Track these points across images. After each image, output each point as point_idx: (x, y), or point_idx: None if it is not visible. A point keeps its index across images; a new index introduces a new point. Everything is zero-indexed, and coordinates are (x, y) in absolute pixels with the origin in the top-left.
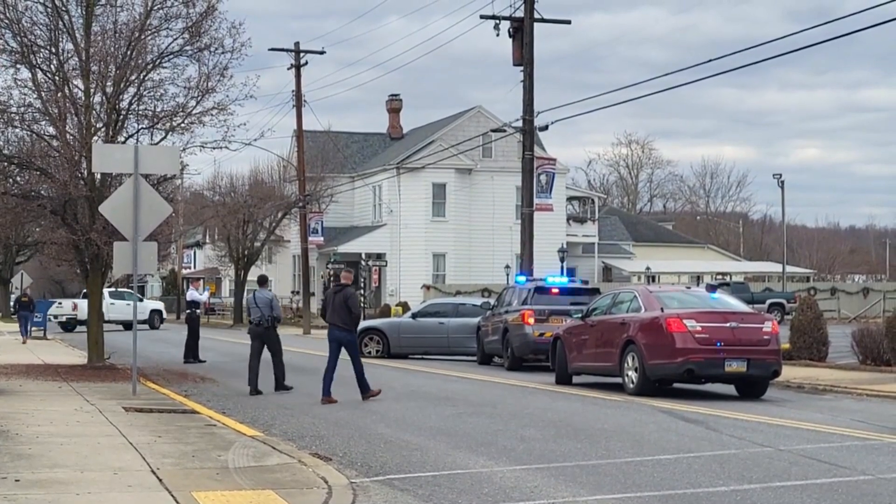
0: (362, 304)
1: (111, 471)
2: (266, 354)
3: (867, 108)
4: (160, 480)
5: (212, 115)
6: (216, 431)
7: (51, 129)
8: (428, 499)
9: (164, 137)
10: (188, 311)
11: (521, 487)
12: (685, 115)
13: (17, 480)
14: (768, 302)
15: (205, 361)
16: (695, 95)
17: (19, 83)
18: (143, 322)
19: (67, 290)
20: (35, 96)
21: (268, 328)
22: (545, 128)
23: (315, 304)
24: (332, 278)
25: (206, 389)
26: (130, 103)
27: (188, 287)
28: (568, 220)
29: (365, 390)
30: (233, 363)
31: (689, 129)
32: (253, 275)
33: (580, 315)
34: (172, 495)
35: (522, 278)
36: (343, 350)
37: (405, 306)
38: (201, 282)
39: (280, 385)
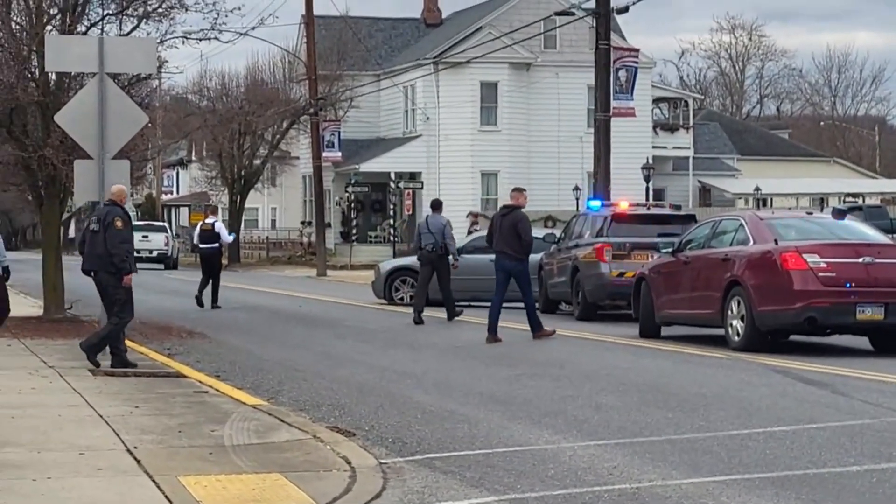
0: (392, 237)
1: (76, 450)
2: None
3: None
4: (138, 462)
5: None
6: (208, 400)
7: None
8: (478, 483)
9: (137, 27)
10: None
11: (597, 468)
12: None
13: None
14: None
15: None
16: None
17: None
18: None
19: (16, 221)
20: None
21: (441, 255)
22: (625, 9)
23: (332, 237)
24: (352, 204)
25: (195, 346)
26: None
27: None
28: (654, 128)
29: (536, 328)
30: (226, 313)
31: (812, 9)
32: (252, 201)
33: (671, 250)
34: (154, 481)
35: (596, 203)
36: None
37: None
38: (219, 211)
39: (452, 314)
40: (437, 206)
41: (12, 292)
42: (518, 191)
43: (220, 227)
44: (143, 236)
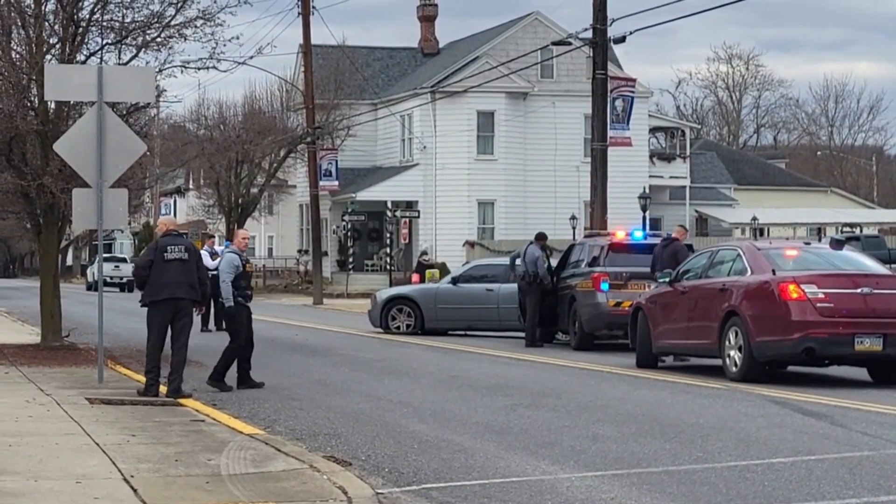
0: (389, 266)
1: (73, 479)
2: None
3: None
4: (135, 491)
5: (195, 26)
6: (205, 429)
7: None
8: None
9: (136, 56)
10: None
11: (594, 499)
12: (808, 23)
13: None
14: None
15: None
16: None
17: None
18: None
19: (14, 249)
20: None
21: (529, 283)
22: (622, 39)
23: (329, 266)
24: (348, 233)
25: (192, 375)
26: (92, 12)
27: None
28: (651, 157)
29: None
30: (222, 341)
31: (811, 41)
32: (249, 229)
33: (668, 279)
34: None
35: (640, 233)
36: None
37: (443, 269)
38: (216, 238)
39: (533, 341)
40: (539, 237)
41: (11, 319)
42: (683, 228)
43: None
44: (115, 266)
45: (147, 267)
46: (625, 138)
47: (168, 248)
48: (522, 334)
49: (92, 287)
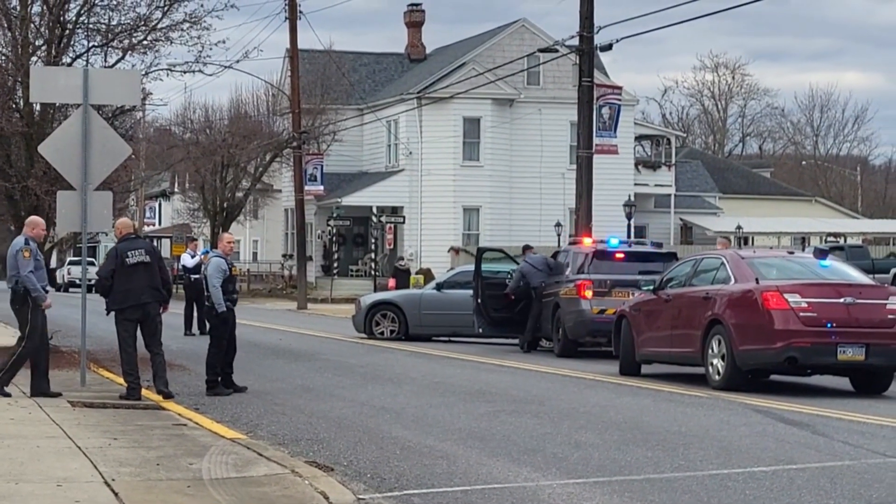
0: (374, 271)
1: (54, 482)
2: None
3: None
4: (116, 495)
5: (182, 29)
6: (187, 433)
7: None
8: None
9: (122, 58)
10: (184, 276)
11: None
12: (797, 32)
13: None
14: (894, 271)
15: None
16: (813, 5)
17: None
18: None
19: None
20: None
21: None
22: (608, 47)
23: (314, 271)
24: (333, 238)
25: (174, 379)
26: (79, 14)
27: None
28: (636, 165)
29: None
30: (205, 345)
31: (799, 50)
32: (234, 233)
33: (652, 287)
34: None
35: (616, 240)
36: None
37: (428, 274)
38: (199, 242)
39: (531, 345)
40: (529, 247)
41: None
42: (727, 240)
43: (183, 259)
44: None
45: (110, 276)
46: (611, 146)
47: (128, 253)
48: (506, 340)
49: (61, 289)
